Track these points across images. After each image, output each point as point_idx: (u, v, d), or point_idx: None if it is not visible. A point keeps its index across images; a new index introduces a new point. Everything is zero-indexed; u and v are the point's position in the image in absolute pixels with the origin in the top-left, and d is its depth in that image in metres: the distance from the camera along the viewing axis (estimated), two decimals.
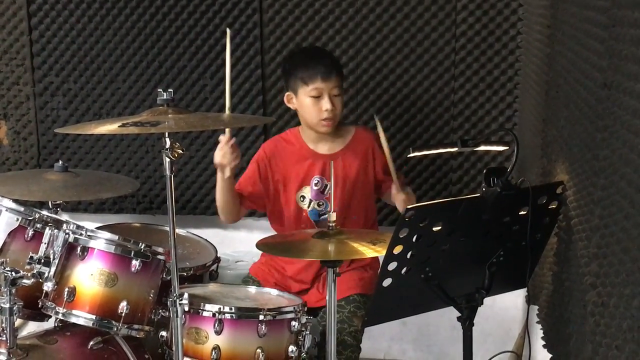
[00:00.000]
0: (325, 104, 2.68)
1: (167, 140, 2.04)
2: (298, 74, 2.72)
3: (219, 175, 2.71)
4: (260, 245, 2.33)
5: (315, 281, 2.83)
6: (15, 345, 2.25)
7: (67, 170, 2.81)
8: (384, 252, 1.93)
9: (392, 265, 1.92)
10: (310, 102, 2.70)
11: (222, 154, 2.63)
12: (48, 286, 2.34)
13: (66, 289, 2.33)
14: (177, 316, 2.14)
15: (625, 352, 1.42)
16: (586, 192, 1.82)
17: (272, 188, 2.84)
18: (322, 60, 2.72)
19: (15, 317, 2.24)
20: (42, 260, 2.33)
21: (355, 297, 2.70)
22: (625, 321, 1.44)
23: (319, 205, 2.81)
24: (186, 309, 2.17)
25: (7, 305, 2.21)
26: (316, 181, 2.80)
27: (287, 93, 2.78)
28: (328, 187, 2.77)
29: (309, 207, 2.81)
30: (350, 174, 2.81)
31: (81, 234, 2.37)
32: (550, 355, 2.18)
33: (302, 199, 2.82)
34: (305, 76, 2.69)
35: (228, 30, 2.53)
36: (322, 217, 2.79)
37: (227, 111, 2.59)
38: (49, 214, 2.55)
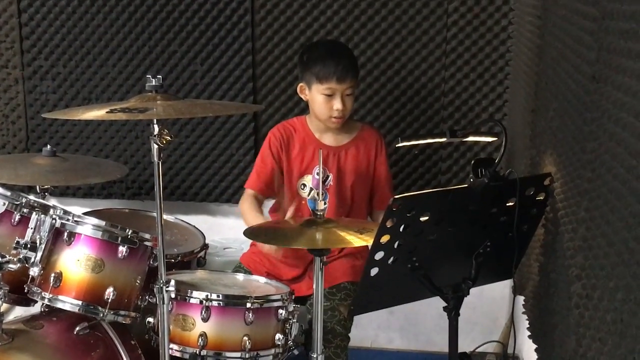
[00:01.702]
0: (337, 103, 2.68)
1: (155, 127, 2.03)
2: (314, 69, 2.69)
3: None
4: (247, 232, 2.33)
5: (308, 269, 2.83)
6: (1, 330, 2.24)
7: (55, 154, 2.80)
8: (371, 241, 1.93)
9: (379, 255, 1.93)
10: (322, 99, 2.70)
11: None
12: (34, 271, 2.32)
13: (52, 274, 2.32)
14: (163, 303, 2.14)
15: (608, 345, 1.43)
16: (573, 184, 1.82)
17: (281, 170, 2.84)
18: (340, 61, 2.67)
19: (1, 302, 2.23)
20: (29, 245, 2.32)
21: (345, 285, 2.71)
22: (608, 314, 1.45)
23: (318, 194, 2.81)
24: (173, 295, 2.17)
25: None
26: (318, 171, 2.79)
27: (300, 84, 2.77)
28: (329, 178, 2.78)
29: (308, 195, 2.81)
30: (353, 169, 2.82)
31: (68, 220, 2.37)
32: (535, 346, 2.19)
33: (302, 187, 2.82)
34: (321, 74, 2.67)
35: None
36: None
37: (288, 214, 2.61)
38: (36, 199, 2.54)
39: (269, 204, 2.99)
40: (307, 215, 2.78)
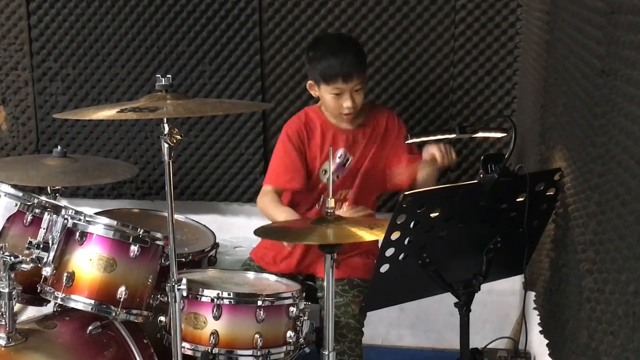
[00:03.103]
0: (347, 101, 2.67)
1: (166, 126, 2.04)
2: (319, 68, 2.68)
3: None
4: (258, 231, 2.33)
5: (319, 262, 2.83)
6: (14, 330, 2.26)
7: (65, 155, 2.81)
8: (382, 236, 1.93)
9: (389, 251, 1.93)
10: (330, 98, 2.69)
11: None
12: (47, 271, 2.34)
13: (65, 274, 2.34)
14: (175, 301, 2.15)
15: (620, 338, 1.43)
16: (583, 178, 1.82)
17: (305, 160, 2.84)
18: (345, 59, 2.64)
19: (14, 302, 2.25)
20: (41, 245, 2.33)
21: (358, 282, 2.72)
22: (620, 307, 1.44)
23: (338, 177, 2.82)
24: (184, 294, 2.18)
25: (7, 290, 2.22)
26: (340, 154, 2.81)
27: (309, 81, 2.77)
28: (350, 160, 2.79)
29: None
30: (370, 148, 2.83)
31: (80, 219, 2.38)
32: (547, 341, 2.19)
33: (324, 173, 2.82)
34: (326, 75, 2.65)
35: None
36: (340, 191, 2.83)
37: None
38: (48, 199, 2.55)
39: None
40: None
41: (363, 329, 2.68)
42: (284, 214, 2.67)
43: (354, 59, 2.68)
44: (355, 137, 2.82)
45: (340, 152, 2.81)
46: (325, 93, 2.70)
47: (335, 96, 2.68)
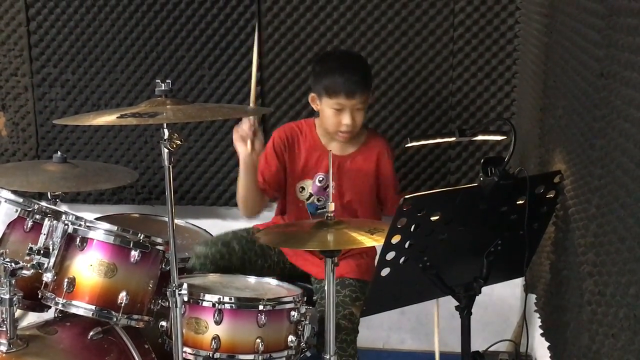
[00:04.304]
0: (346, 118, 2.65)
1: (166, 131, 2.04)
2: (324, 82, 2.67)
3: (241, 158, 2.63)
4: (258, 235, 2.34)
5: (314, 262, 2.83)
6: (15, 336, 2.26)
7: (65, 161, 2.81)
8: (382, 242, 1.93)
9: (390, 255, 1.93)
10: (331, 113, 2.67)
11: (242, 131, 2.60)
12: (47, 277, 2.34)
13: (66, 280, 2.34)
14: (176, 306, 2.15)
15: (622, 340, 1.43)
16: (583, 181, 1.82)
17: (285, 172, 2.83)
18: (351, 76, 2.63)
19: (15, 308, 2.25)
20: (42, 251, 2.33)
21: (350, 282, 2.70)
22: (621, 309, 1.45)
23: (318, 200, 2.81)
24: (185, 299, 2.18)
25: (7, 296, 2.22)
26: (320, 178, 2.79)
27: (312, 94, 2.75)
28: (329, 187, 2.78)
29: (308, 199, 2.81)
30: (355, 178, 2.80)
31: (80, 225, 2.38)
32: (548, 344, 2.19)
33: (301, 190, 2.81)
34: (330, 89, 2.64)
35: (256, 24, 2.42)
36: (320, 210, 2.79)
37: (251, 104, 2.56)
38: (48, 205, 2.55)
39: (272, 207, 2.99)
40: (305, 218, 2.79)
41: (360, 331, 2.66)
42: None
43: (360, 77, 2.67)
44: (342, 164, 2.79)
45: (321, 175, 2.79)
46: (326, 107, 2.68)
47: (336, 112, 2.66)
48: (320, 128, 2.82)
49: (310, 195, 2.80)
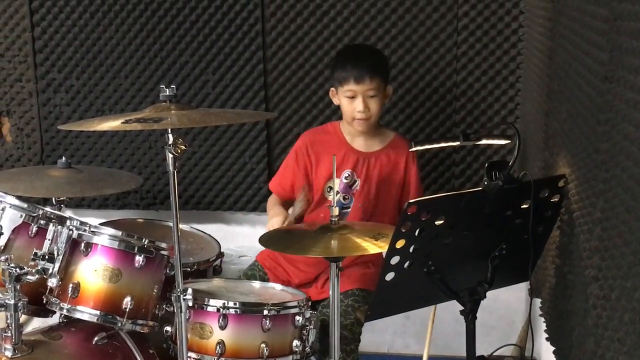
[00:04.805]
0: (358, 105, 2.70)
1: (170, 136, 2.05)
2: (336, 73, 2.77)
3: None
4: (263, 240, 2.33)
5: (319, 276, 2.83)
6: (20, 341, 2.26)
7: (70, 166, 2.82)
8: (386, 248, 1.93)
9: (394, 260, 1.93)
10: (346, 101, 2.74)
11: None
12: (52, 282, 2.34)
13: (70, 285, 2.34)
14: (181, 311, 2.15)
15: (627, 345, 1.43)
16: (588, 185, 1.82)
17: (308, 176, 2.87)
18: (359, 63, 2.71)
19: (20, 313, 2.25)
20: (46, 257, 2.33)
21: (354, 292, 2.70)
22: (626, 314, 1.44)
23: (344, 198, 2.82)
24: (190, 304, 2.17)
25: (12, 302, 2.22)
26: (347, 174, 2.81)
27: (331, 88, 2.83)
28: (357, 183, 2.80)
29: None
30: (381, 176, 2.82)
31: (85, 230, 2.38)
32: (553, 348, 2.19)
33: (329, 190, 2.83)
34: (341, 77, 2.73)
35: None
36: (344, 210, 2.81)
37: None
38: (53, 210, 2.55)
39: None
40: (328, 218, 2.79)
41: (362, 338, 2.65)
42: (270, 213, 2.80)
43: (369, 63, 2.74)
44: (367, 160, 2.82)
45: (347, 172, 2.82)
46: (342, 96, 2.75)
47: (349, 99, 2.72)
48: (345, 127, 2.86)
49: (337, 193, 2.81)
